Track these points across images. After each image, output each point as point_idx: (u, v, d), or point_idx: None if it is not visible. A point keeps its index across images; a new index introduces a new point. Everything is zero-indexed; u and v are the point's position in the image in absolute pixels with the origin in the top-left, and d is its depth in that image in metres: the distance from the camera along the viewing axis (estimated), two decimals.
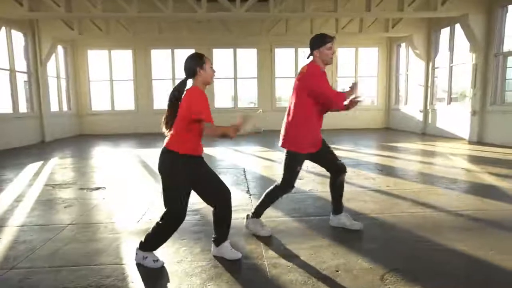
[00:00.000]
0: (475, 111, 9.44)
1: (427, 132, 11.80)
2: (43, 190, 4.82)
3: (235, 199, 4.23)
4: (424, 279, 2.31)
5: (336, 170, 3.17)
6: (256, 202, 4.04)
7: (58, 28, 11.16)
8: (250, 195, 4.49)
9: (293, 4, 9.22)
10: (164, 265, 2.53)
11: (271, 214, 3.69)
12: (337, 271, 2.44)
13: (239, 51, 13.86)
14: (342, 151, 8.29)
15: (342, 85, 15.28)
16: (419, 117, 12.15)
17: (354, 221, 3.26)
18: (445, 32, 11.13)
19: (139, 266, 2.51)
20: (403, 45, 13.30)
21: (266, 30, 11.90)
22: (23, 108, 10.59)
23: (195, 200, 2.76)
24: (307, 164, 3.27)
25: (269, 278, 2.36)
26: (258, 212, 3.17)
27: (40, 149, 9.47)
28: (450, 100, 11.03)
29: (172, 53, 13.78)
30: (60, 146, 10.09)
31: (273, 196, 3.12)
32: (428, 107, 11.88)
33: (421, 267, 2.48)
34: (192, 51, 13.54)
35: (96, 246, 2.90)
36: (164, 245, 2.63)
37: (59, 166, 6.84)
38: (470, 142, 9.34)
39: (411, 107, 12.74)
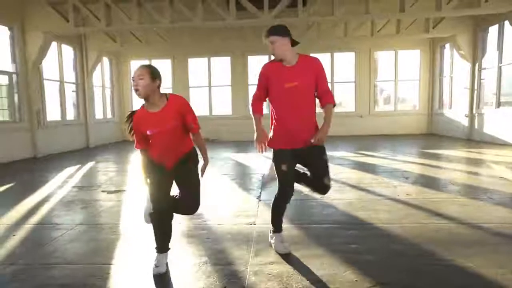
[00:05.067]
0: None
1: (473, 138, 10.93)
2: (69, 191, 5.15)
3: (244, 203, 4.25)
4: None
5: (316, 185, 2.84)
6: (264, 209, 4.01)
7: (103, 41, 11.98)
8: (260, 201, 4.43)
9: (322, 8, 9.06)
10: (146, 266, 2.59)
11: None
12: (319, 281, 2.32)
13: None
14: (374, 157, 7.95)
15: (382, 89, 14.75)
16: (465, 122, 11.30)
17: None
18: (493, 30, 10.30)
19: (126, 267, 2.59)
20: (447, 46, 12.50)
21: (297, 35, 11.81)
22: (70, 115, 11.45)
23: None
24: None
25: (245, 286, 2.30)
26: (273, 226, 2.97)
27: (83, 154, 10.15)
28: (499, 103, 10.13)
29: (209, 61, 14.15)
30: (101, 151, 10.74)
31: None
32: (474, 112, 11.01)
33: (413, 282, 2.29)
34: (227, 59, 14.01)
35: (94, 246, 3.03)
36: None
37: (93, 169, 7.28)
38: None
39: (456, 111, 11.89)
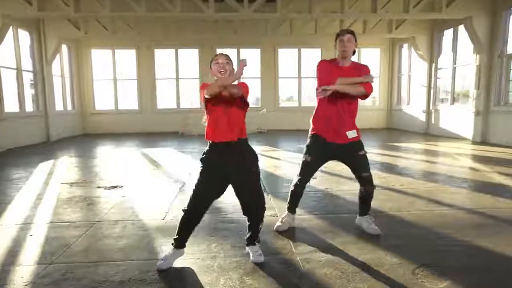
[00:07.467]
0: (478, 111, 9.58)
1: (430, 132, 11.93)
2: (61, 188, 4.87)
3: None
4: (453, 273, 2.40)
5: (359, 181, 3.12)
6: (274, 200, 4.17)
7: (64, 28, 11.18)
8: (268, 193, 4.55)
9: (300, 5, 9.30)
10: (199, 259, 2.62)
11: None
12: (369, 265, 2.53)
13: (243, 51, 13.92)
14: None
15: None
16: (422, 117, 12.28)
17: (372, 226, 3.17)
18: (448, 33, 11.27)
19: (176, 261, 2.59)
20: (405, 46, 13.44)
21: (271, 30, 11.97)
22: (29, 107, 10.60)
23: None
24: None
25: (303, 272, 2.44)
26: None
27: (47, 148, 9.49)
28: (453, 100, 11.17)
29: (176, 52, 13.83)
30: (67, 145, 10.11)
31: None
32: (431, 108, 12.01)
33: (449, 263, 2.57)
34: (195, 51, 13.78)
35: (130, 242, 2.97)
36: (194, 241, 2.73)
37: (70, 164, 6.88)
38: (474, 142, 9.47)
39: (414, 107, 12.87)
